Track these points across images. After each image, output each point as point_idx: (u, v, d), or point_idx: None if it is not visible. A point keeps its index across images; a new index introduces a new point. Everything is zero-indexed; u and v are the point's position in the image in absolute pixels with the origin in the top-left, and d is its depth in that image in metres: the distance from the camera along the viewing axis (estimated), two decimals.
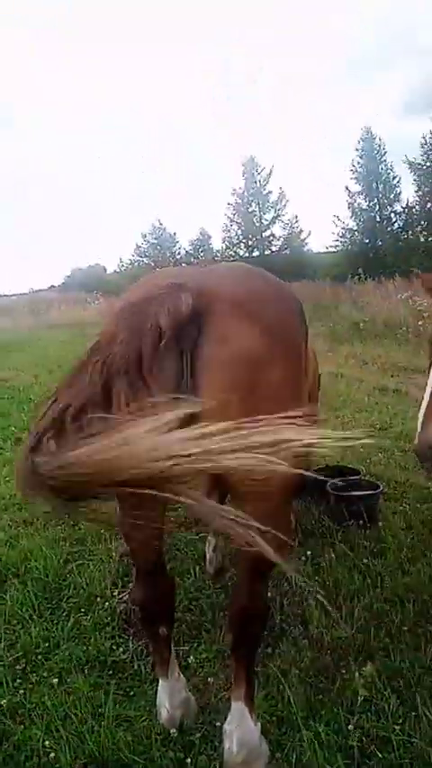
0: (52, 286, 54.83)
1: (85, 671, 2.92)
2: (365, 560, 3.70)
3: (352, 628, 3.07)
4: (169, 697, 2.52)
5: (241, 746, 2.24)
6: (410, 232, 33.61)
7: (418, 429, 2.74)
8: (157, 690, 2.64)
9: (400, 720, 2.46)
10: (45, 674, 2.93)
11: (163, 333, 1.81)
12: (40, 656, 3.07)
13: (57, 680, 2.83)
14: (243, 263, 2.54)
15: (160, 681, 2.58)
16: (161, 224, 51.99)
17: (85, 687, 2.78)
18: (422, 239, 32.67)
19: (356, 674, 2.62)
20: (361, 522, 4.08)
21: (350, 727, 2.43)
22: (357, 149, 35.75)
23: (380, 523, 4.17)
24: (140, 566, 2.50)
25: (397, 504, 4.58)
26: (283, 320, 2.14)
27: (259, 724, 2.34)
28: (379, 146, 35.37)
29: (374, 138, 35.42)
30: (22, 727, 2.59)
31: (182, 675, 2.64)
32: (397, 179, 34.90)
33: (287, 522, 2.48)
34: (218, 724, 2.51)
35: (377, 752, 2.33)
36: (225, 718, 2.41)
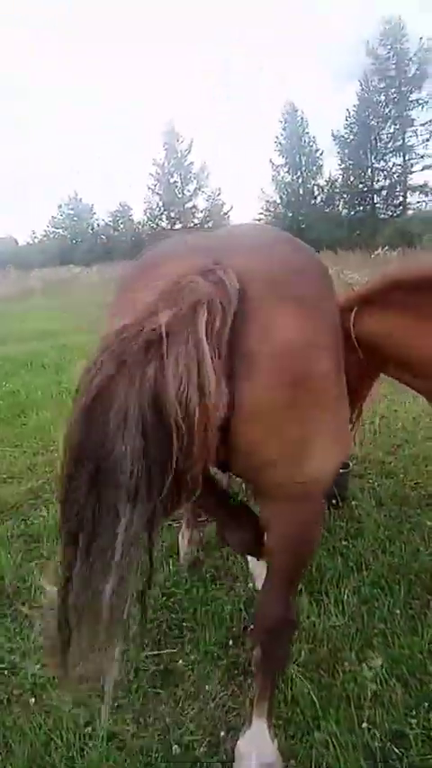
0: None
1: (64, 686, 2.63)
2: (345, 542, 3.58)
3: (344, 616, 2.94)
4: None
5: None
6: (332, 206, 34.08)
7: None
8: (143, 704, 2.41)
9: (413, 713, 2.35)
10: (16, 692, 2.62)
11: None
12: (6, 672, 2.74)
13: (33, 699, 2.53)
14: (265, 225, 2.21)
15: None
16: (77, 195, 50.36)
17: (65, 704, 2.50)
18: (344, 212, 33.23)
19: (363, 666, 2.49)
20: (333, 501, 3.96)
21: (363, 724, 2.29)
22: (280, 122, 35.71)
23: (352, 502, 4.07)
24: None
25: (363, 480, 4.50)
26: (324, 297, 1.82)
27: (276, 740, 2.15)
28: (301, 118, 35.40)
29: (297, 111, 35.42)
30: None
31: None
32: (320, 152, 35.16)
33: (322, 516, 2.23)
34: (222, 734, 2.33)
35: (395, 749, 2.21)
36: (230, 729, 2.23)
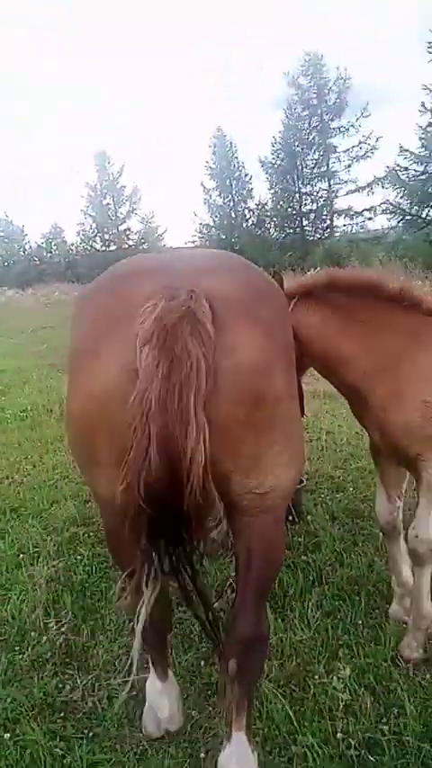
0: None
1: (37, 718, 2.59)
2: (304, 557, 3.69)
3: (309, 629, 3.02)
4: (168, 695, 2.45)
5: None
6: (263, 228, 34.98)
7: None
8: (114, 732, 2.48)
9: (383, 720, 2.45)
10: None
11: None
12: None
13: (8, 734, 2.48)
14: (222, 251, 2.33)
15: (157, 684, 2.49)
16: (7, 217, 49.43)
17: (41, 736, 2.46)
18: (275, 235, 34.12)
19: (333, 677, 2.59)
20: (290, 517, 4.06)
21: (338, 734, 2.38)
22: (210, 146, 36.58)
23: (307, 517, 4.19)
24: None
25: (315, 495, 4.64)
26: (280, 317, 2.01)
27: (256, 752, 2.20)
28: (230, 143, 36.40)
29: (225, 136, 36.41)
30: None
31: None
32: (249, 177, 36.16)
33: (284, 533, 2.34)
34: (202, 756, 2.36)
35: (370, 756, 2.30)
36: (209, 749, 2.26)
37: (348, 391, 2.81)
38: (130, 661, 2.39)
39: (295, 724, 2.45)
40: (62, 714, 2.63)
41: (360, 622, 3.07)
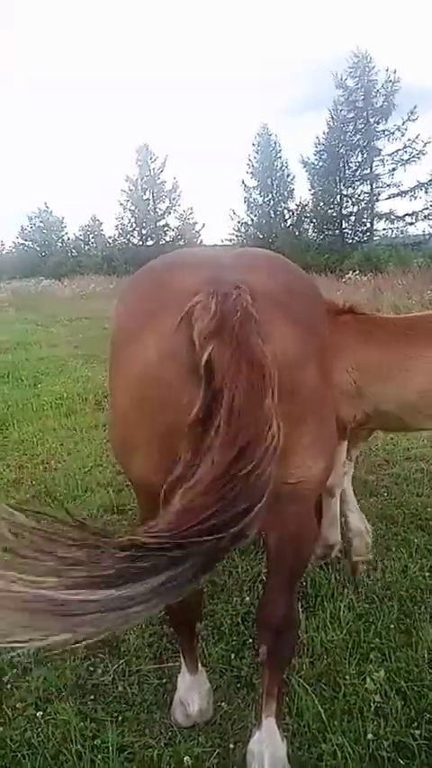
0: None
1: (68, 699, 2.63)
2: (337, 557, 3.67)
3: (341, 630, 3.01)
4: (199, 690, 2.49)
5: None
6: (301, 229, 34.84)
7: None
8: (139, 717, 2.51)
9: (414, 724, 2.43)
10: (19, 705, 2.61)
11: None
12: (8, 685, 2.74)
13: (41, 712, 2.53)
14: (267, 251, 2.35)
15: (188, 678, 2.52)
16: (47, 207, 50.22)
17: (72, 716, 2.50)
18: (313, 236, 33.93)
19: (367, 678, 2.57)
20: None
21: (369, 735, 2.36)
22: (254, 144, 36.56)
23: (341, 519, 4.16)
24: None
25: None
26: (318, 317, 2.06)
27: (286, 741, 2.21)
28: (275, 142, 36.32)
29: (270, 135, 36.33)
30: None
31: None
32: (291, 177, 36.04)
33: (314, 523, 2.37)
34: (231, 746, 2.37)
35: (400, 759, 2.28)
36: (238, 741, 2.27)
37: None
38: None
39: (325, 722, 2.45)
40: (93, 697, 2.67)
41: (392, 627, 3.04)
